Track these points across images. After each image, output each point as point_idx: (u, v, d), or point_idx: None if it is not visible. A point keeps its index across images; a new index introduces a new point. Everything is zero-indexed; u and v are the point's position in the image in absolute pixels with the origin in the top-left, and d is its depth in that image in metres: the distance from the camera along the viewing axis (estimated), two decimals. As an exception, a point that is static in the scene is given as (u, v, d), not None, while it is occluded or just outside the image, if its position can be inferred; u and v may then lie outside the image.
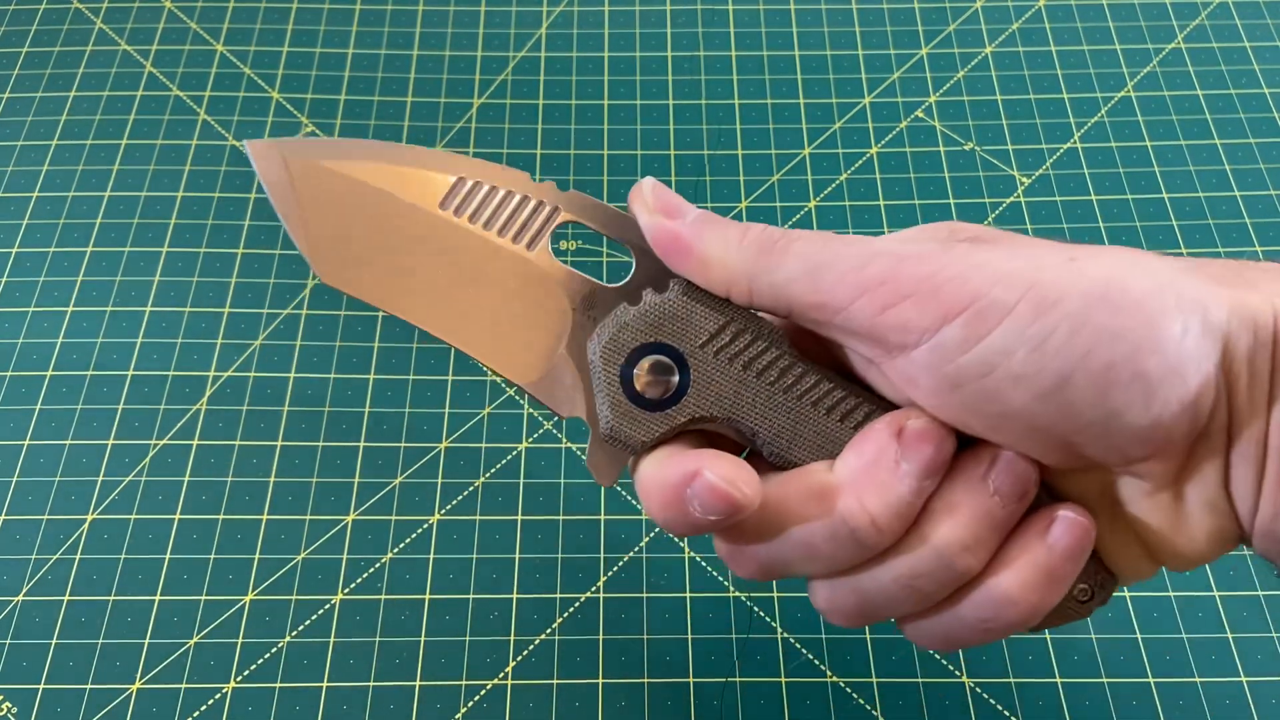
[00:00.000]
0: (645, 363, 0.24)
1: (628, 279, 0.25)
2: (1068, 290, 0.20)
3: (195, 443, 0.39)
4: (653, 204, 0.23)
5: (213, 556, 0.37)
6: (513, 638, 0.35)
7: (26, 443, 0.39)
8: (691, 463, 0.22)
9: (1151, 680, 0.34)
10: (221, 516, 0.37)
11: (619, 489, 0.38)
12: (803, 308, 0.22)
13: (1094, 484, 0.23)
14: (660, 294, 0.24)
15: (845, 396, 0.23)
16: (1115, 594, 0.26)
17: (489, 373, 0.40)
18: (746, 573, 0.24)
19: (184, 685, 0.34)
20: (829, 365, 0.24)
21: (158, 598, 0.36)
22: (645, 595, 0.36)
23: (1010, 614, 0.22)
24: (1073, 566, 0.22)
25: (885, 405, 0.23)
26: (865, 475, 0.22)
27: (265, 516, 0.37)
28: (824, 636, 0.35)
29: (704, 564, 0.37)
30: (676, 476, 0.22)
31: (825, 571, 0.23)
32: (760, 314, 0.24)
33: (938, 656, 0.35)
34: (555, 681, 0.34)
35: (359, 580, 0.36)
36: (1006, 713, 0.34)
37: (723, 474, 0.22)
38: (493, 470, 0.38)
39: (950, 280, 0.21)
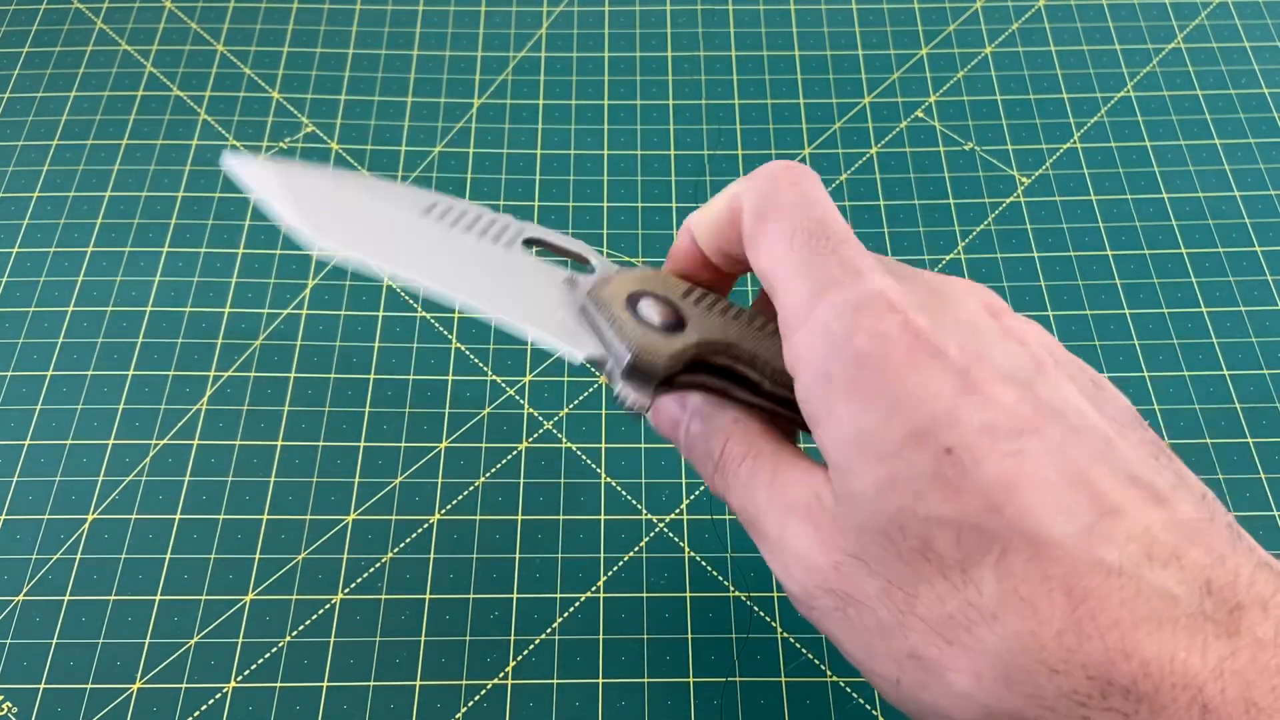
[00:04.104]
0: (643, 303, 0.25)
1: (596, 273, 0.27)
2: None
3: (195, 443, 0.39)
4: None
5: (213, 556, 0.37)
6: (513, 638, 0.35)
7: (26, 443, 0.39)
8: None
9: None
10: (221, 516, 0.37)
11: (619, 489, 0.38)
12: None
13: None
14: (630, 269, 0.27)
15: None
16: None
17: (487, 372, 0.40)
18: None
19: (184, 685, 0.34)
20: None
21: (158, 598, 0.36)
22: (645, 595, 0.36)
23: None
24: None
25: None
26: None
27: (265, 516, 0.37)
28: (824, 637, 0.35)
29: (704, 564, 0.37)
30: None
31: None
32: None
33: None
34: (555, 681, 0.34)
35: (359, 580, 0.36)
36: (1006, 713, 0.34)
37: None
38: (493, 470, 0.38)
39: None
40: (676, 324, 0.25)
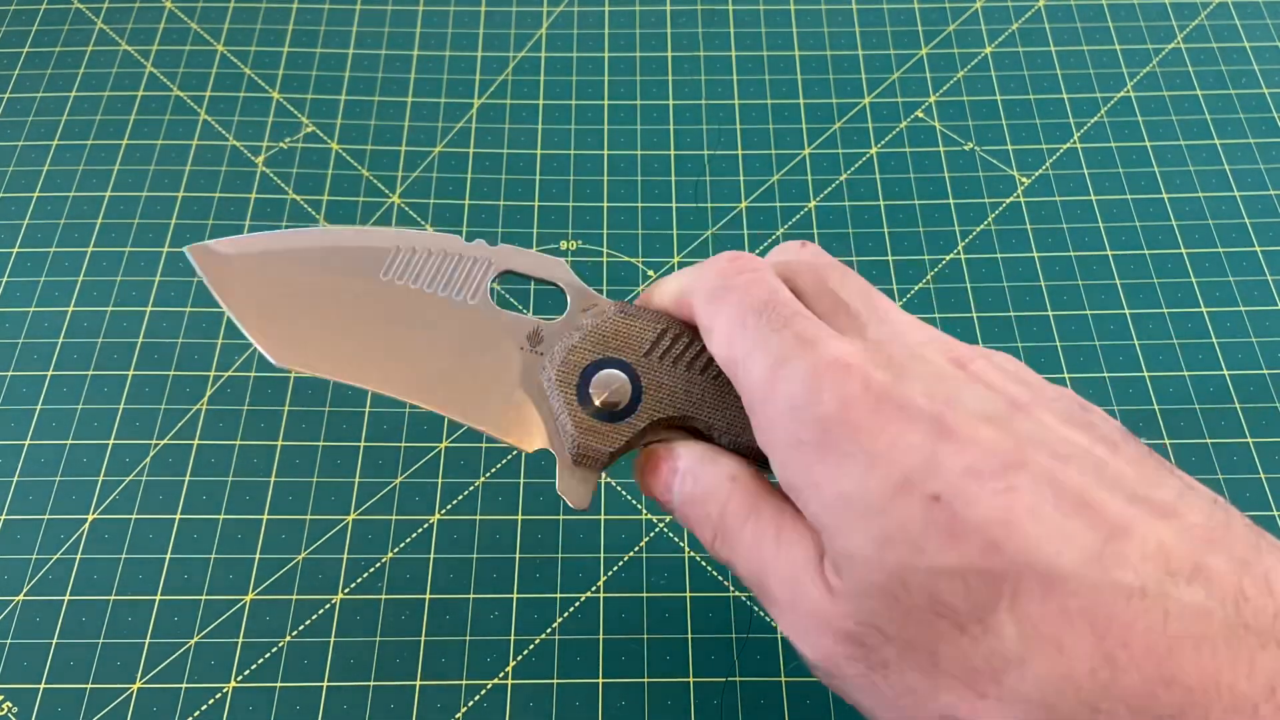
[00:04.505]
0: (597, 378, 0.25)
1: (565, 313, 0.26)
2: None
3: (195, 443, 0.39)
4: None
5: (213, 556, 0.37)
6: (513, 638, 0.35)
7: (26, 443, 0.39)
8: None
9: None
10: (221, 516, 0.37)
11: (619, 489, 0.38)
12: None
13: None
14: (597, 316, 0.26)
15: None
16: None
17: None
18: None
19: (184, 685, 0.34)
20: None
21: (158, 598, 0.36)
22: (645, 595, 0.36)
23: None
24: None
25: None
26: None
27: (265, 516, 0.37)
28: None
29: (704, 564, 0.37)
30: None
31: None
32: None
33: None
34: (555, 681, 0.34)
35: (359, 580, 0.36)
36: (1006, 713, 0.34)
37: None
38: (493, 470, 0.38)
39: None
40: (629, 403, 0.25)
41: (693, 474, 0.25)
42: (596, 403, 0.25)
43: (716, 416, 0.25)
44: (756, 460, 0.25)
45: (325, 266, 0.26)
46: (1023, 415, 0.20)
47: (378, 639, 0.35)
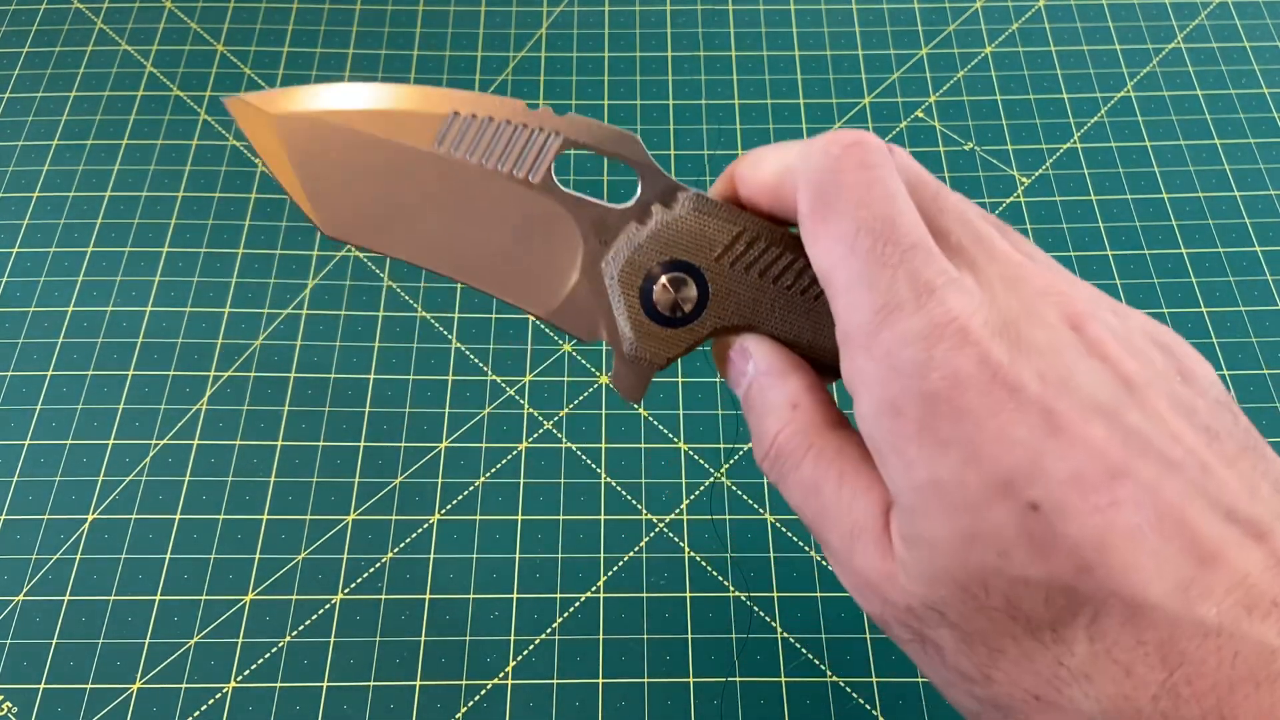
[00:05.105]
0: (662, 280, 0.24)
1: (635, 199, 0.24)
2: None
3: (195, 443, 0.39)
4: None
5: (213, 556, 0.37)
6: (513, 638, 0.35)
7: (26, 443, 0.39)
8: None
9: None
10: (221, 516, 0.37)
11: (619, 489, 0.38)
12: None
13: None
14: (670, 210, 0.24)
15: None
16: None
17: (488, 372, 0.40)
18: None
19: (184, 685, 0.34)
20: None
21: (158, 598, 0.36)
22: (645, 595, 0.36)
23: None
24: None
25: None
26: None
27: (265, 516, 0.37)
28: (824, 636, 0.35)
29: (704, 564, 0.37)
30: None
31: None
32: (771, 219, 0.24)
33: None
34: (555, 681, 0.34)
35: (359, 580, 0.36)
36: (1006, 713, 0.34)
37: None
38: (493, 470, 0.38)
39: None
40: (694, 310, 0.24)
41: (756, 385, 0.23)
42: (659, 306, 0.24)
43: (783, 327, 0.24)
44: (834, 373, 0.23)
45: (376, 130, 0.24)
46: (1135, 404, 0.19)
47: (378, 639, 0.35)
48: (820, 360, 0.24)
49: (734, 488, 0.38)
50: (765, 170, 0.23)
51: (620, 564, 0.37)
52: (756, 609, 0.36)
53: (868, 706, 0.34)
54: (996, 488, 0.18)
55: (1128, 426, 0.19)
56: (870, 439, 0.20)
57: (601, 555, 0.37)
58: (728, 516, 0.38)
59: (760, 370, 0.23)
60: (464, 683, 0.34)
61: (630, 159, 0.24)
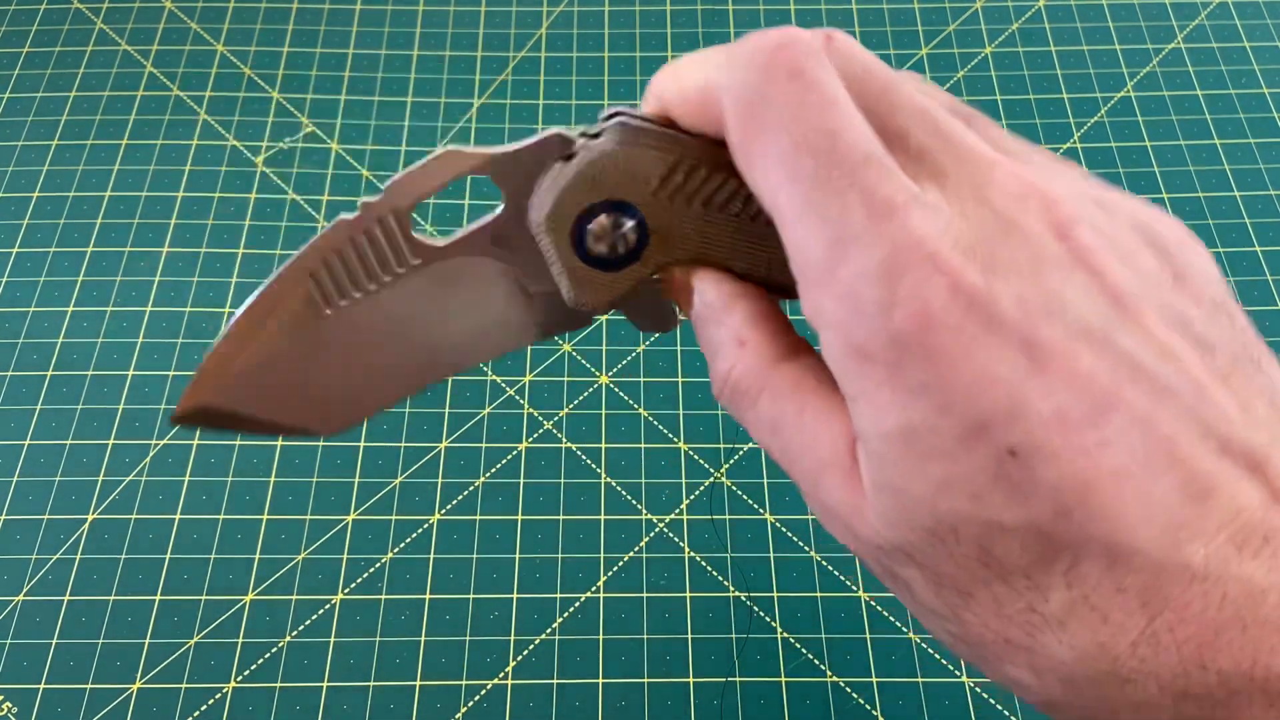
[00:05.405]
0: (596, 224, 0.21)
1: (500, 208, 0.22)
2: None
3: (195, 443, 0.39)
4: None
5: (213, 556, 0.37)
6: (513, 638, 0.35)
7: (26, 443, 0.39)
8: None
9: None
10: (221, 516, 0.37)
11: (619, 489, 0.38)
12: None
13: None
14: (595, 143, 0.21)
15: None
16: None
17: (487, 372, 0.40)
18: None
19: (184, 685, 0.34)
20: None
21: (158, 598, 0.36)
22: (645, 595, 0.36)
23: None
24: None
25: None
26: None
27: (265, 516, 0.37)
28: (824, 636, 0.35)
29: (704, 564, 0.37)
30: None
31: None
32: (710, 141, 0.21)
33: (938, 657, 0.35)
34: (555, 681, 0.34)
35: (359, 580, 0.36)
36: (1006, 713, 0.34)
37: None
38: (493, 470, 0.38)
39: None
40: (634, 249, 0.21)
41: (700, 320, 0.21)
42: (594, 251, 0.21)
43: (743, 262, 0.21)
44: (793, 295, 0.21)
45: (268, 341, 0.23)
46: (1126, 322, 0.17)
47: (378, 639, 0.35)
48: (783, 287, 0.22)
49: (734, 488, 0.38)
50: (687, 86, 0.20)
51: (620, 564, 0.37)
52: (756, 609, 0.36)
53: (868, 706, 0.34)
54: (971, 432, 0.17)
55: (1117, 351, 0.17)
56: (839, 380, 0.18)
57: (601, 555, 0.37)
58: (728, 516, 0.38)
59: (705, 303, 0.21)
60: (464, 683, 0.34)
61: (465, 171, 0.21)
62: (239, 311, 0.23)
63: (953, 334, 0.16)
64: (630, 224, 0.21)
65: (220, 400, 0.23)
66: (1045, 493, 0.16)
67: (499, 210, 0.22)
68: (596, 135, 0.21)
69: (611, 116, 0.21)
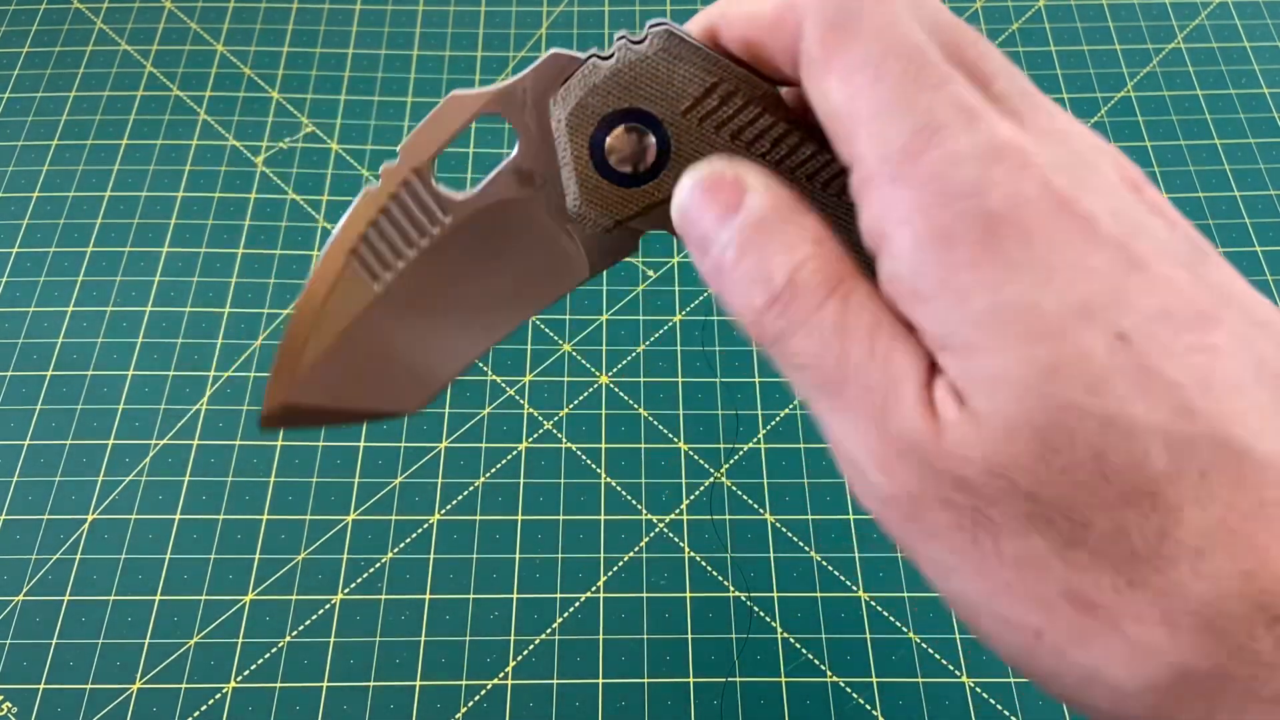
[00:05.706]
0: (617, 133, 0.20)
1: (513, 152, 0.21)
2: None
3: (195, 443, 0.39)
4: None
5: (213, 556, 0.37)
6: (513, 638, 0.35)
7: (26, 443, 0.39)
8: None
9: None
10: (221, 516, 0.37)
11: (619, 489, 0.38)
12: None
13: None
14: (635, 48, 0.20)
15: (842, 171, 0.20)
16: None
17: (487, 372, 0.40)
18: None
19: (184, 685, 0.34)
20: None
21: (158, 598, 0.36)
22: (645, 595, 0.36)
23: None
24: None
25: None
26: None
27: (265, 516, 0.37)
28: (824, 636, 0.35)
29: (704, 564, 0.37)
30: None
31: None
32: (754, 73, 0.20)
33: (938, 656, 0.35)
34: (555, 681, 0.34)
35: (359, 580, 0.36)
36: (1006, 713, 0.34)
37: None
38: (493, 470, 0.38)
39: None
40: (652, 168, 0.20)
41: (756, 223, 0.19)
42: (611, 160, 0.20)
43: None
44: None
45: (336, 323, 0.23)
46: (1210, 263, 0.17)
47: (378, 639, 0.35)
48: None
49: (734, 488, 0.38)
50: (762, 5, 0.19)
51: (620, 564, 0.37)
52: (756, 609, 0.36)
53: (868, 706, 0.34)
54: (1077, 311, 0.15)
55: (1209, 281, 0.16)
56: (908, 287, 0.17)
57: (601, 555, 0.37)
58: (728, 516, 0.38)
59: (765, 205, 0.19)
60: (464, 683, 0.34)
61: (475, 115, 0.21)
62: (293, 305, 0.23)
63: (1047, 219, 0.16)
64: (653, 140, 0.20)
65: (300, 396, 0.23)
66: (1164, 386, 0.15)
67: (517, 149, 0.21)
68: (639, 42, 0.20)
69: (656, 26, 0.20)
